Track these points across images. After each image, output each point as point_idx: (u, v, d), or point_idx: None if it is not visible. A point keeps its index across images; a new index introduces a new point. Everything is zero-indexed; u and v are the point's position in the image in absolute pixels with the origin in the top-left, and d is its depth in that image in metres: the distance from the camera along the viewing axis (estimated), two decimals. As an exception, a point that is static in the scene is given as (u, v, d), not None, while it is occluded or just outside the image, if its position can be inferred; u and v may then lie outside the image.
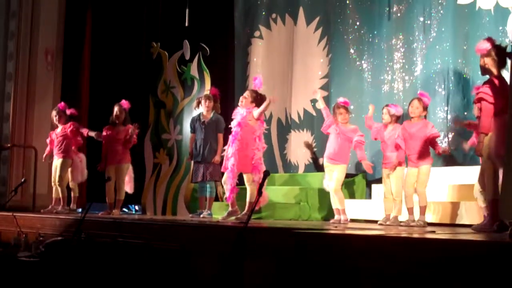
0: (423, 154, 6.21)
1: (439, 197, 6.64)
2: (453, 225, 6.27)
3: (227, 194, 6.82)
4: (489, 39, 5.36)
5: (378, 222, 6.45)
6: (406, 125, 6.38)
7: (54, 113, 8.69)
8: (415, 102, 6.32)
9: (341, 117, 6.84)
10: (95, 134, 8.32)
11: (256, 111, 6.64)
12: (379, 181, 7.08)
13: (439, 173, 6.86)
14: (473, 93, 6.04)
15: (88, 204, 5.88)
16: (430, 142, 6.25)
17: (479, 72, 6.60)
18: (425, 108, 6.33)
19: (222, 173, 7.15)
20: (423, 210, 6.18)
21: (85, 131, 8.50)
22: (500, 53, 5.24)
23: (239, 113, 6.76)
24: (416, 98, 6.38)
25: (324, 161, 6.95)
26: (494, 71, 5.24)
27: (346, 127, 6.86)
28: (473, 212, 6.12)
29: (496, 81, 5.20)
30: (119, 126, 8.25)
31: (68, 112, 8.70)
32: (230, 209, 6.78)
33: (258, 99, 6.78)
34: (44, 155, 8.97)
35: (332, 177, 6.79)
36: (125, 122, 8.25)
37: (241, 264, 4.45)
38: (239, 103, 6.82)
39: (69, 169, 8.59)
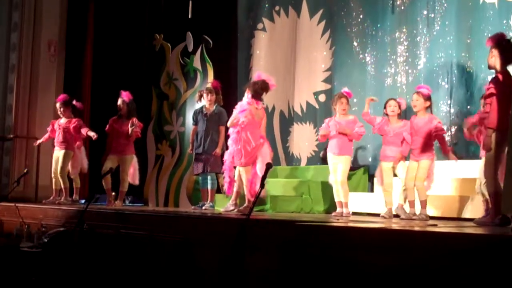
0: (424, 149, 6.18)
1: (441, 190, 6.64)
2: (455, 219, 6.26)
3: (226, 187, 6.86)
4: (499, 34, 5.35)
5: (381, 215, 6.45)
6: (413, 120, 6.36)
7: (58, 105, 8.70)
8: (414, 95, 6.31)
9: (341, 106, 6.84)
10: (93, 135, 8.31)
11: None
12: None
13: (441, 167, 6.84)
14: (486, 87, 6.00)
15: (91, 195, 5.88)
16: (435, 137, 6.21)
17: (483, 66, 6.60)
18: (427, 98, 6.28)
19: (223, 165, 7.20)
20: (423, 204, 6.17)
21: (85, 130, 8.47)
22: (508, 49, 5.23)
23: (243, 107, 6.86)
24: (414, 92, 6.37)
25: (328, 154, 6.95)
26: (500, 66, 5.24)
27: (345, 118, 6.86)
28: (476, 206, 6.12)
29: (501, 77, 5.21)
30: (123, 118, 8.28)
31: (75, 103, 8.70)
32: (232, 201, 6.83)
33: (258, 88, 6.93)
34: (40, 141, 8.99)
35: (338, 170, 6.79)
36: (129, 114, 8.26)
37: (243, 256, 4.46)
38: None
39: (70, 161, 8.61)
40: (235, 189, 6.92)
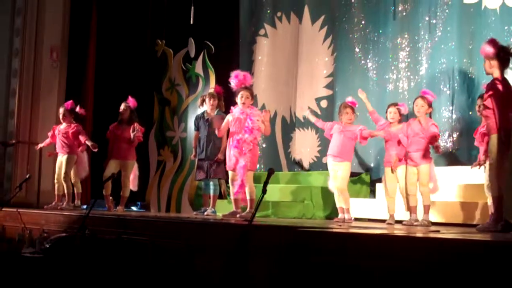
0: (422, 153, 6.19)
1: (443, 196, 6.63)
2: (459, 225, 6.26)
3: (235, 189, 6.75)
4: (493, 41, 5.36)
5: (386, 222, 6.43)
6: (410, 123, 6.37)
7: (61, 110, 8.70)
8: (419, 100, 6.30)
9: (347, 116, 6.83)
10: (91, 144, 8.30)
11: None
12: (383, 180, 7.08)
13: (443, 172, 6.85)
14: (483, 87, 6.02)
15: (93, 201, 5.88)
16: (430, 140, 6.22)
17: (484, 72, 6.61)
18: (430, 105, 6.31)
19: (226, 171, 7.16)
20: (426, 209, 6.17)
21: (83, 138, 8.46)
22: (504, 56, 5.26)
23: (251, 113, 6.82)
24: (419, 97, 6.36)
25: (328, 160, 6.94)
26: (497, 72, 5.27)
27: (351, 128, 6.84)
28: (478, 212, 6.12)
29: (499, 83, 5.23)
30: (124, 124, 8.28)
31: (78, 110, 8.67)
32: (233, 209, 6.82)
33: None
34: (41, 145, 8.98)
35: (337, 176, 6.78)
36: (130, 120, 8.26)
37: (245, 261, 4.46)
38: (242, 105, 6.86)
39: (74, 165, 8.60)
40: (232, 197, 6.89)
